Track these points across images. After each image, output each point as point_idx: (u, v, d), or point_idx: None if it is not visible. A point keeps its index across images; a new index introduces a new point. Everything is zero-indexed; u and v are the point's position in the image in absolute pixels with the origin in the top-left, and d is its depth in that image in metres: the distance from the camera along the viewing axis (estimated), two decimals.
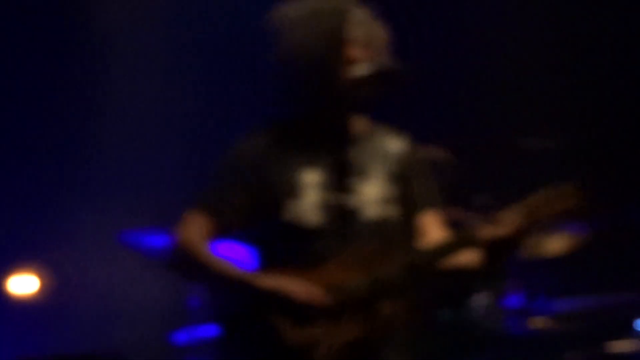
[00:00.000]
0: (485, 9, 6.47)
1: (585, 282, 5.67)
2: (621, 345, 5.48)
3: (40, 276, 6.18)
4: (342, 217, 3.13)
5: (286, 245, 3.13)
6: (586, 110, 6.41)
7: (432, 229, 3.28)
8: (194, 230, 3.14)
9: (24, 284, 6.16)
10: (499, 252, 3.08)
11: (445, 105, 6.61)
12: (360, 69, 3.12)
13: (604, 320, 5.19)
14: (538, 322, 5.35)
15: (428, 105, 6.37)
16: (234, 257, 4.59)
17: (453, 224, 5.07)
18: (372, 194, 3.17)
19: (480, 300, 5.06)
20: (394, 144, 3.26)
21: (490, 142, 5.43)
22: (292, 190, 3.13)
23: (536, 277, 5.46)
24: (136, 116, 6.30)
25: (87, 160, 6.27)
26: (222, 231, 3.18)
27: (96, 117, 6.27)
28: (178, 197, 3.94)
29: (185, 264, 3.15)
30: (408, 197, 3.15)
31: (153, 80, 6.30)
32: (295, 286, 3.05)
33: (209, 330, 5.19)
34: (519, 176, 5.15)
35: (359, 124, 3.28)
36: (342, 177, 3.17)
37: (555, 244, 5.35)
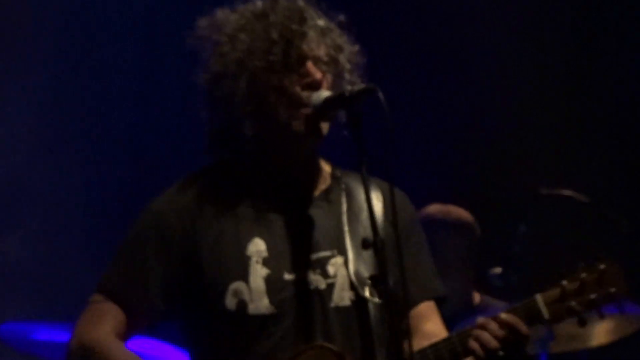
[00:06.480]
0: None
1: None
2: None
3: None
4: (302, 302, 2.56)
5: (229, 340, 2.56)
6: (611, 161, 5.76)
7: (426, 325, 2.68)
8: (100, 325, 2.60)
9: None
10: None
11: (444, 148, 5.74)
12: (322, 96, 2.52)
13: None
14: None
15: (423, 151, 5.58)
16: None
17: (470, 309, 4.50)
18: (341, 271, 2.58)
19: None
20: (372, 199, 2.53)
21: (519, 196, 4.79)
22: (235, 269, 2.56)
23: None
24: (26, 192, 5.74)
25: None
26: (136, 326, 2.63)
27: None
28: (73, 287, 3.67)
29: None
30: (392, 276, 2.46)
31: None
32: None
33: None
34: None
35: (319, 170, 2.67)
36: (300, 248, 2.58)
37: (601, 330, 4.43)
